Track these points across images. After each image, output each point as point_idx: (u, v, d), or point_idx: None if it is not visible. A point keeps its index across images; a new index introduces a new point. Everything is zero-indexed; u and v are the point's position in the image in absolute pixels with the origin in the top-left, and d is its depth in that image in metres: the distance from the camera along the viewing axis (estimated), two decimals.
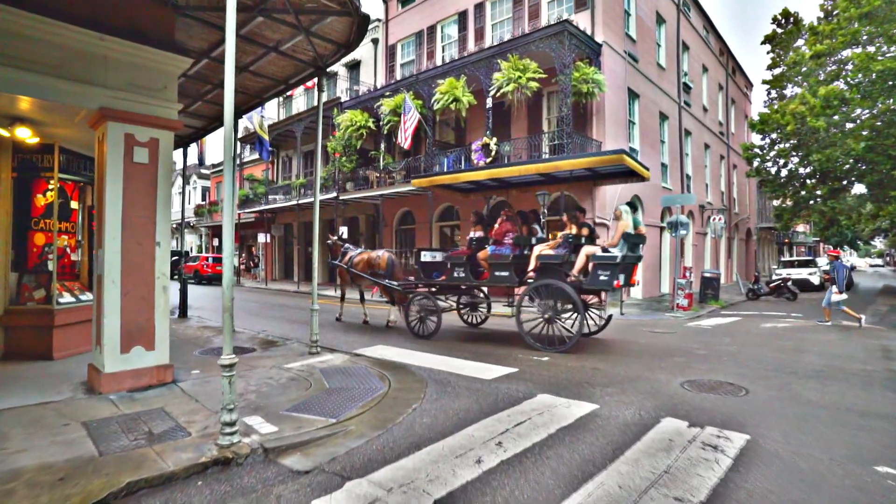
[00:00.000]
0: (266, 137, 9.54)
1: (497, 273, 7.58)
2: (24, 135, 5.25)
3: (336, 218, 20.91)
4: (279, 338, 8.29)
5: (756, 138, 23.52)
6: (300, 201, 21.03)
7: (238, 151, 26.96)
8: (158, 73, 5.04)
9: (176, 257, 26.17)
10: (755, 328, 10.01)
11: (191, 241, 34.79)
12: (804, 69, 19.97)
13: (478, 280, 7.99)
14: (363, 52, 21.67)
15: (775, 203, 33.75)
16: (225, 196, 3.78)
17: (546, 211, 12.96)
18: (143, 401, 4.56)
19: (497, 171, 8.01)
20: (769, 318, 11.63)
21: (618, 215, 7.11)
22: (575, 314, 7.20)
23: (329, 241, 10.98)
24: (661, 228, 18.41)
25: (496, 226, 8.08)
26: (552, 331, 7.15)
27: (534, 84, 13.17)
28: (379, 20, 20.84)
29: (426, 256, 8.85)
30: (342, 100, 20.05)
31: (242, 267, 28.92)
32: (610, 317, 8.25)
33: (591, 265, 6.84)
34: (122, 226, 4.79)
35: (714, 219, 19.28)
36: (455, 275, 8.05)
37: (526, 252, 7.63)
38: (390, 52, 20.50)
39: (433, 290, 8.72)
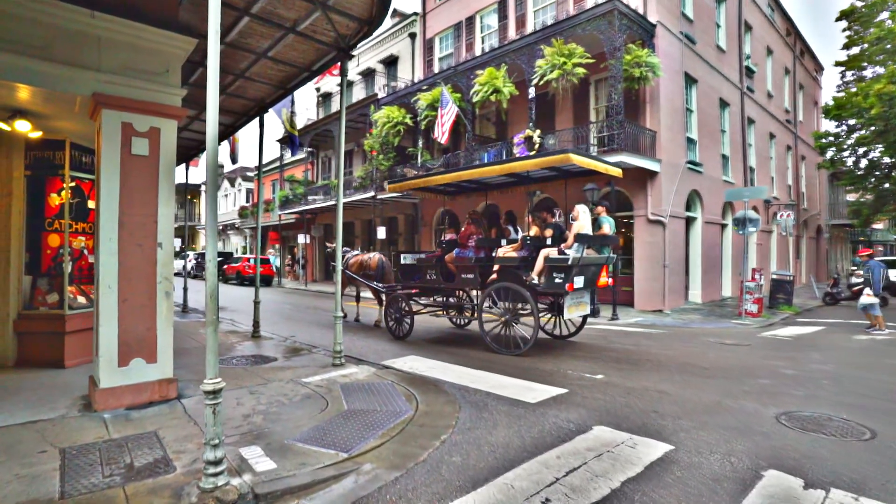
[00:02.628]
0: (296, 133, 9.06)
1: (464, 275, 7.68)
2: (24, 128, 4.90)
3: (374, 218, 20.51)
4: (306, 345, 7.77)
5: (830, 125, 21.24)
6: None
7: (280, 153, 27.20)
8: (159, 55, 4.54)
9: (221, 258, 26.77)
10: (846, 341, 8.60)
11: (236, 243, 35.59)
12: (889, 45, 17.77)
13: (448, 282, 8.08)
14: (400, 47, 21.18)
15: (851, 197, 30.77)
16: (208, 213, 3.16)
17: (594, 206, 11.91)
18: (139, 421, 4.04)
19: (460, 174, 7.69)
20: (859, 328, 10.08)
21: (574, 216, 6.82)
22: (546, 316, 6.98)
23: (328, 249, 12.03)
24: (722, 226, 16.83)
25: (462, 228, 8.11)
26: (509, 333, 7.06)
27: (580, 70, 12.13)
28: (416, 14, 20.28)
29: (406, 259, 8.95)
30: (379, 97, 19.60)
31: (288, 268, 29.15)
32: (585, 318, 7.79)
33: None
34: (119, 225, 4.30)
35: (782, 215, 17.48)
36: (428, 277, 8.27)
37: (494, 254, 7.52)
38: (428, 47, 19.87)
39: (415, 292, 8.81)
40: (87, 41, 4.17)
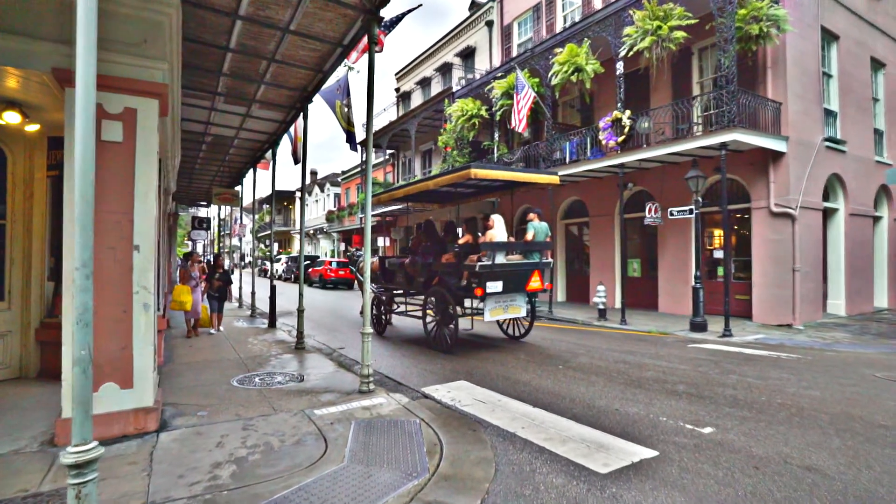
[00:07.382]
0: (352, 130, 8.22)
1: (418, 279, 8.32)
2: (14, 120, 4.48)
3: (458, 216, 19.57)
4: (349, 360, 6.91)
5: None
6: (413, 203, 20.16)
7: (362, 157, 27.35)
8: (134, 21, 3.82)
9: (308, 261, 27.57)
10: None
11: (324, 247, 36.83)
12: None
13: (409, 286, 8.78)
14: (477, 38, 20.05)
15: None
16: (77, 207, 2.21)
17: (700, 199, 9.80)
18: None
19: (410, 188, 8.54)
20: None
21: (490, 225, 7.37)
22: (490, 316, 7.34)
23: (348, 252, 12.78)
24: (875, 219, 13.42)
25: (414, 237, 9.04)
26: (441, 333, 7.50)
27: (679, 34, 10.04)
28: (492, 0, 19.02)
29: (388, 263, 9.69)
30: (454, 90, 18.61)
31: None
32: (532, 320, 8.21)
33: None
34: None
35: None
36: (398, 280, 9.07)
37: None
38: (506, 33, 18.51)
39: (398, 293, 9.54)
40: (45, 6, 3.54)
